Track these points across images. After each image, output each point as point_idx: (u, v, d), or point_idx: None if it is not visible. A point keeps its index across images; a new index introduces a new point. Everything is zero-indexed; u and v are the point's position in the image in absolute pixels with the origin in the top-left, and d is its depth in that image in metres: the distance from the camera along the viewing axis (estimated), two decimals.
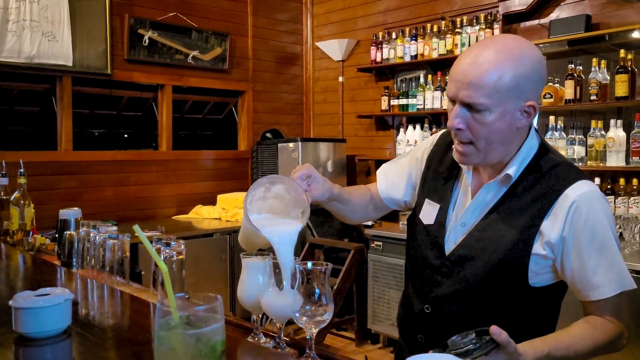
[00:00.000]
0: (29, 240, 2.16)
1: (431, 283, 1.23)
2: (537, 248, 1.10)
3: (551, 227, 1.09)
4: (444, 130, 1.35)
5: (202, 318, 0.72)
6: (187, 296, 0.78)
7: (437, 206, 1.23)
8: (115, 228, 1.77)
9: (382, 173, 1.44)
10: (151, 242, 1.40)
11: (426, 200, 1.27)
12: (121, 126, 4.44)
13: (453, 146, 1.18)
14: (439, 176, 1.27)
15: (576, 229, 1.08)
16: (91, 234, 1.73)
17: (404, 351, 1.35)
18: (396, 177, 1.40)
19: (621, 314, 1.11)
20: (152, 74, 4.20)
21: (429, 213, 1.25)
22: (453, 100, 1.11)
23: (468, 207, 1.19)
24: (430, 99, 4.09)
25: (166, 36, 4.19)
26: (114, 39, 3.91)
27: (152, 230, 3.56)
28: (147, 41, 4.07)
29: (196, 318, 0.72)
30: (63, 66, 3.65)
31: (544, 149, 1.17)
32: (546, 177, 1.12)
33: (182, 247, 1.38)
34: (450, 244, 1.20)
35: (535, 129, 1.21)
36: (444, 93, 3.98)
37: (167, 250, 1.39)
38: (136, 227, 0.77)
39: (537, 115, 1.30)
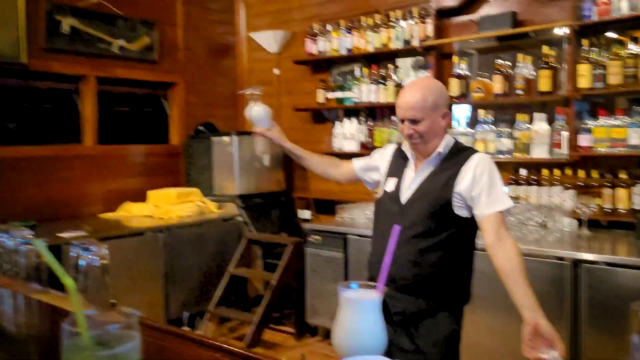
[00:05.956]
0: None
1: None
2: (455, 190, 1.80)
3: (462, 177, 1.80)
4: (395, 145, 2.10)
5: (116, 336, 0.65)
6: (100, 311, 0.70)
7: (396, 179, 1.95)
8: (30, 231, 1.63)
9: (359, 159, 2.19)
10: (71, 244, 1.29)
11: (388, 178, 1.99)
12: (40, 120, 4.13)
13: (405, 143, 1.95)
14: (396, 166, 2.01)
15: (476, 176, 1.80)
16: (3, 239, 1.59)
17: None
18: (369, 164, 2.16)
19: (504, 225, 1.77)
20: (73, 64, 3.95)
21: (391, 185, 1.95)
22: (402, 120, 1.85)
23: (414, 177, 1.90)
24: (365, 92, 4.10)
25: (89, 24, 3.95)
26: (30, 25, 3.64)
27: (77, 230, 3.38)
28: (67, 29, 3.82)
29: (110, 337, 0.65)
30: None
31: (457, 143, 1.93)
32: (459, 155, 1.87)
33: (104, 251, 1.29)
34: (405, 198, 1.88)
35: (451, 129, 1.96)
36: (385, 89, 4.02)
37: (89, 256, 1.29)
38: (38, 242, 0.68)
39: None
